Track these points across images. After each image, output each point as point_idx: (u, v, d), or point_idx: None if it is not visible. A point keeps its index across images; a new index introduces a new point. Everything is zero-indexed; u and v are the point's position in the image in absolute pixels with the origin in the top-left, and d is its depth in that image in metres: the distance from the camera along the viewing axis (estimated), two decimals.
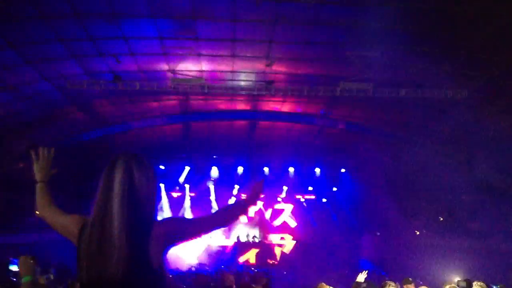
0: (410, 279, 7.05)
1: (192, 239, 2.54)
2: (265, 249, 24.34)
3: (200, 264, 22.06)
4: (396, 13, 11.30)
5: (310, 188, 25.62)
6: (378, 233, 23.02)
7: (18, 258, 3.26)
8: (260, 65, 14.89)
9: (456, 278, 5.62)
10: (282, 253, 24.17)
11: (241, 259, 23.75)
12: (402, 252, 18.81)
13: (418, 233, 20.65)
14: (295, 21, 12.32)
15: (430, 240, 19.85)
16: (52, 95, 16.41)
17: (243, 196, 2.89)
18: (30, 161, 2.94)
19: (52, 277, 11.72)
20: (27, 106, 16.75)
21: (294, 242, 24.59)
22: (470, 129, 14.49)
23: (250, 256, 24.03)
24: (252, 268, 21.06)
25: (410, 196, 19.49)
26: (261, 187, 2.81)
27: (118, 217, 2.23)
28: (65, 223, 2.53)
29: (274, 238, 25.18)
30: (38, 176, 2.87)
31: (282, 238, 25.15)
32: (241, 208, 2.75)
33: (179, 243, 2.49)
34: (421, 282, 9.02)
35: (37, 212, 2.74)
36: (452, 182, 15.83)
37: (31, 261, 3.20)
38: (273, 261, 23.66)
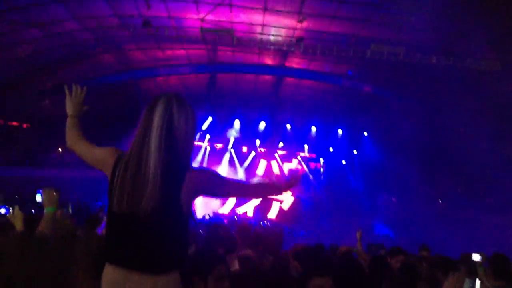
0: (426, 246, 7.08)
1: (220, 198, 2.60)
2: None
3: (213, 213, 22.47)
4: None
5: (331, 149, 25.58)
6: (394, 199, 23.02)
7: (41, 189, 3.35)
8: (291, 21, 14.63)
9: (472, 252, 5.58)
10: (292, 210, 24.40)
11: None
12: (418, 220, 18.83)
13: (440, 201, 20.53)
14: None
15: (447, 210, 19.82)
16: (80, 35, 16.44)
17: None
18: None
19: (70, 210, 12.09)
20: (56, 44, 16.83)
21: (293, 198, 24.81)
22: (501, 101, 14.15)
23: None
24: (266, 222, 21.36)
25: (431, 165, 19.33)
26: (299, 176, 2.85)
27: (155, 151, 2.28)
28: (100, 154, 2.58)
29: None
30: (70, 110, 2.91)
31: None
32: (275, 190, 2.78)
33: (207, 197, 2.54)
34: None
35: (68, 145, 2.79)
36: (478, 155, 15.59)
37: (55, 193, 3.28)
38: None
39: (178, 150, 2.34)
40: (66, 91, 2.94)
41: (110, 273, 2.24)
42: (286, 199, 24.91)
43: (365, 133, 24.87)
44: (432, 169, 19.36)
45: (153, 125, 2.32)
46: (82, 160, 2.72)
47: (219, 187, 2.49)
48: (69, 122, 2.85)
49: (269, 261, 4.97)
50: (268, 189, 2.78)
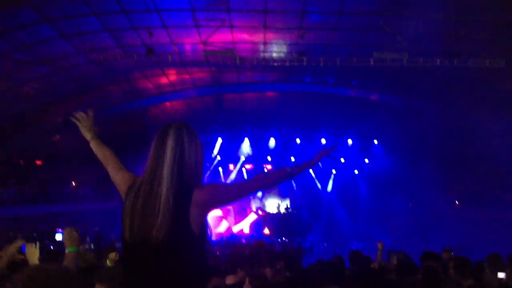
0: (448, 248, 7.03)
1: (231, 202, 2.63)
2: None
3: (231, 234, 22.46)
4: None
5: (342, 160, 25.52)
6: (411, 204, 22.85)
7: (62, 229, 3.39)
8: (292, 36, 14.74)
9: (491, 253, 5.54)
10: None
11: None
12: (435, 222, 18.66)
13: (457, 203, 20.29)
14: None
15: (463, 212, 19.63)
16: (86, 69, 16.71)
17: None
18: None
19: (91, 246, 12.12)
20: (62, 79, 17.11)
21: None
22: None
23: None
24: (283, 238, 21.26)
25: (445, 166, 19.20)
26: (326, 151, 2.88)
27: (167, 181, 2.33)
28: (117, 180, 2.66)
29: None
30: (88, 136, 3.02)
31: None
32: (283, 174, 2.77)
33: (218, 208, 2.60)
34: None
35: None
36: (492, 151, 15.49)
37: (75, 232, 3.32)
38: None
39: (189, 179, 2.39)
40: (74, 120, 3.03)
41: None
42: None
43: (375, 141, 24.84)
44: (446, 169, 19.24)
45: (165, 156, 2.38)
46: None
47: (226, 194, 2.52)
48: (92, 146, 2.96)
49: (285, 278, 4.95)
50: (275, 175, 2.79)
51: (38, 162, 21.87)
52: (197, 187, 2.37)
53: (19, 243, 3.93)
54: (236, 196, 2.59)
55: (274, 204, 25.25)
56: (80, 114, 3.04)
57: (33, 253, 3.62)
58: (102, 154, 2.90)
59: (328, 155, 2.90)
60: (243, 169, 25.36)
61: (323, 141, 24.96)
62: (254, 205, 24.88)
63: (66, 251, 3.24)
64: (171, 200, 2.28)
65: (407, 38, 13.60)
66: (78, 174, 21.65)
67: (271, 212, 25.05)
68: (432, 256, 5.30)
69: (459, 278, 4.35)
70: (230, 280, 4.08)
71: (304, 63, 15.32)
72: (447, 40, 13.76)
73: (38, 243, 3.74)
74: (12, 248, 3.74)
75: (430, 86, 17.17)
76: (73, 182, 22.73)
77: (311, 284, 3.09)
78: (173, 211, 2.27)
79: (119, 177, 2.66)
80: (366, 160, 25.46)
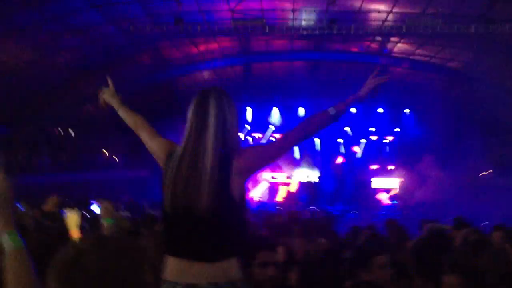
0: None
1: (273, 161, 2.58)
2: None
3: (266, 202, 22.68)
4: None
5: (373, 129, 25.23)
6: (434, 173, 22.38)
7: (95, 199, 3.46)
8: (321, 3, 14.46)
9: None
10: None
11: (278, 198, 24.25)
12: (459, 192, 18.34)
13: (487, 172, 19.81)
14: None
15: (489, 181, 19.22)
16: (116, 39, 16.81)
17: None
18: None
19: (127, 213, 12.32)
20: (94, 50, 17.27)
21: (297, 182, 24.98)
22: None
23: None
24: (315, 208, 21.28)
25: (471, 137, 18.78)
26: (374, 83, 2.82)
27: (211, 151, 2.31)
28: (153, 147, 2.62)
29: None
30: (115, 104, 2.96)
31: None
32: (324, 118, 2.64)
33: (260, 171, 2.56)
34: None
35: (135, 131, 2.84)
36: None
37: (111, 205, 3.35)
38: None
39: (231, 146, 2.39)
40: (99, 93, 3.02)
41: (171, 264, 2.32)
42: (293, 182, 25.04)
43: (407, 110, 24.40)
44: (470, 140, 18.82)
45: (208, 123, 2.35)
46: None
47: (266, 156, 2.50)
48: (121, 114, 2.91)
49: (323, 245, 4.97)
50: (316, 120, 2.66)
51: (71, 131, 22.31)
52: (236, 154, 2.37)
53: (55, 198, 4.00)
54: (277, 153, 2.54)
55: (304, 174, 25.24)
56: (99, 88, 3.03)
57: (73, 219, 3.68)
58: (133, 121, 2.84)
59: (379, 83, 2.77)
60: (272, 138, 25.32)
61: (353, 110, 24.58)
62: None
63: (104, 222, 3.29)
64: (216, 171, 2.29)
65: (439, 4, 13.21)
66: (110, 143, 22.06)
67: (301, 181, 25.04)
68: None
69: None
70: (280, 252, 3.60)
71: (335, 31, 15.06)
72: (481, 5, 13.25)
73: (77, 210, 3.81)
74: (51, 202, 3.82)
75: (462, 54, 16.70)
76: (104, 151, 23.16)
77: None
78: (216, 181, 2.28)
79: (154, 144, 2.64)
80: (397, 129, 25.01)
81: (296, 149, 24.36)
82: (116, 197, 15.49)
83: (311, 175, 25.24)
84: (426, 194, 20.68)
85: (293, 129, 2.59)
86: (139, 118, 2.83)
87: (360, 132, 25.28)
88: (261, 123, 25.02)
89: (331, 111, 2.63)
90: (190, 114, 2.42)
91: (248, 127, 24.84)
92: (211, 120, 2.35)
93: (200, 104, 2.41)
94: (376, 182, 24.85)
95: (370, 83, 2.78)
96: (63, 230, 3.74)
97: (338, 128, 24.30)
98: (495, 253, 3.56)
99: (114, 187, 17.89)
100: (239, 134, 2.50)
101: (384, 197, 24.43)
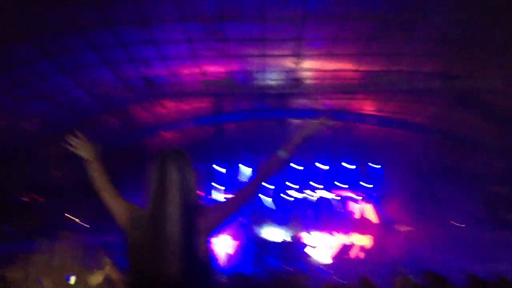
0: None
1: (233, 214, 2.55)
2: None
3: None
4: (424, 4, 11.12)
5: (345, 186, 25.24)
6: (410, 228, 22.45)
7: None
8: (289, 63, 14.85)
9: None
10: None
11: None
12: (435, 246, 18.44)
13: (464, 225, 19.99)
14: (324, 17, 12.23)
15: (466, 233, 19.44)
16: (85, 103, 16.72)
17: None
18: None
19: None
20: (63, 114, 17.10)
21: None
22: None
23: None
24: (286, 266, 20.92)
25: (446, 189, 19.12)
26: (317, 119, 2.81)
27: (175, 215, 2.28)
28: (115, 208, 2.57)
29: None
30: (88, 155, 2.93)
31: None
32: (276, 162, 2.66)
33: (220, 227, 2.54)
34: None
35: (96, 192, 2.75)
36: (493, 173, 15.49)
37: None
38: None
39: (192, 207, 2.36)
40: (67, 146, 2.93)
41: None
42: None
43: (377, 166, 24.67)
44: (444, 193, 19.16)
45: (169, 187, 2.33)
46: None
47: (227, 210, 2.48)
48: (92, 167, 2.82)
49: None
50: (268, 165, 2.71)
51: (39, 198, 21.65)
52: (199, 214, 2.34)
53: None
54: (237, 207, 2.52)
55: (276, 233, 24.81)
56: (68, 138, 2.96)
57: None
58: (101, 178, 2.78)
59: (325, 117, 2.82)
60: (228, 196, 24.97)
61: (319, 165, 24.70)
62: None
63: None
64: (181, 235, 2.24)
65: (404, 61, 13.75)
66: (78, 207, 21.46)
67: (273, 240, 24.59)
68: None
69: None
70: None
71: (302, 90, 15.43)
72: (444, 63, 13.88)
73: None
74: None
75: (428, 108, 17.26)
76: (71, 216, 22.50)
77: None
78: (183, 245, 2.23)
79: (117, 205, 2.59)
80: (369, 185, 25.08)
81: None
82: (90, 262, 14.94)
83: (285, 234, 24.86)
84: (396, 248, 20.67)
85: (248, 182, 2.64)
86: (106, 178, 2.78)
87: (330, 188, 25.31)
88: (234, 183, 24.81)
89: (280, 152, 2.74)
90: (151, 179, 2.39)
91: (223, 188, 24.54)
92: (173, 185, 2.34)
93: (160, 169, 2.40)
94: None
95: (315, 122, 2.90)
96: None
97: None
98: None
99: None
100: (197, 193, 2.49)
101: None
